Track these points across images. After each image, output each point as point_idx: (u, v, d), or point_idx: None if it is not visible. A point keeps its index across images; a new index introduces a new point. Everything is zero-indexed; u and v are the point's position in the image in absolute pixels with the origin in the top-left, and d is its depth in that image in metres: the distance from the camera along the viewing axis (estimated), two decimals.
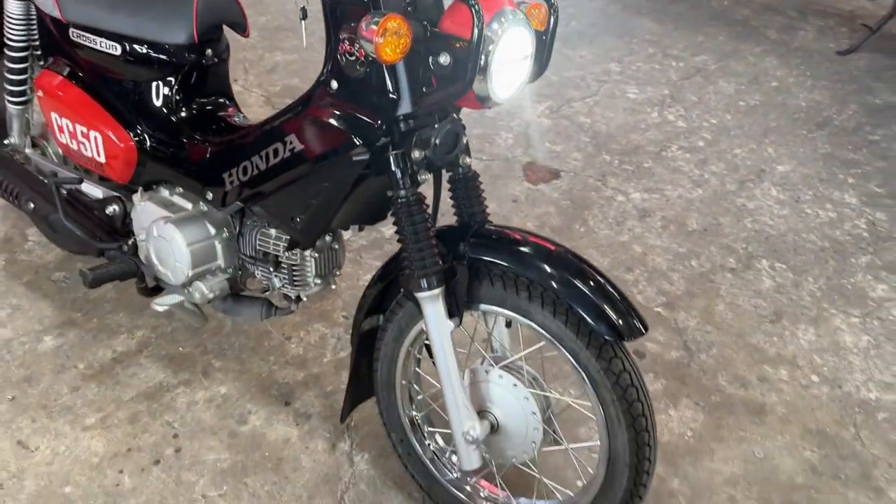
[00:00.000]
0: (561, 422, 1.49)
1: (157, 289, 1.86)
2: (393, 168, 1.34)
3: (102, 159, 1.74)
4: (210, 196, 1.65)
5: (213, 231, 1.70)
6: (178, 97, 1.69)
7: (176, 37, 1.60)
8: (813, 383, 2.02)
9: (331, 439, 1.81)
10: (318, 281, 1.67)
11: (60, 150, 1.87)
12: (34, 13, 1.85)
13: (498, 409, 1.46)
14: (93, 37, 1.68)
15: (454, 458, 1.63)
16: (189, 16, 1.58)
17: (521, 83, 1.31)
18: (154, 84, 1.68)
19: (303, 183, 1.44)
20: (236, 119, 1.71)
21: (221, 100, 1.76)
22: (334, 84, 1.35)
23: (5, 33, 1.88)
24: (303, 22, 1.36)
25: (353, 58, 1.28)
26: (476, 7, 1.14)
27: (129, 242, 1.83)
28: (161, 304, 1.70)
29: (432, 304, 1.38)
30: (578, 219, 2.60)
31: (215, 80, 1.73)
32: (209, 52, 1.67)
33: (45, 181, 1.90)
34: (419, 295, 1.38)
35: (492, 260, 1.37)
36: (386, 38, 1.15)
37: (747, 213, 2.68)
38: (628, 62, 3.78)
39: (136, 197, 1.76)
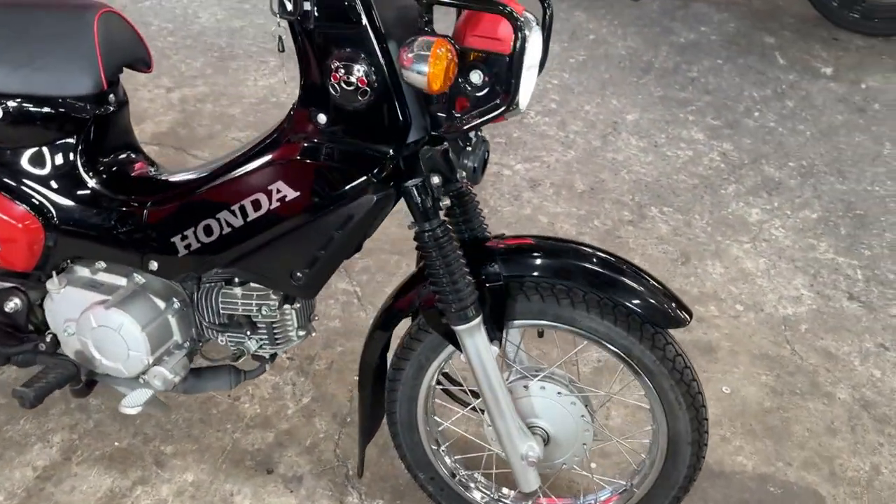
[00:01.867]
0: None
1: (92, 383, 1.56)
2: (417, 200, 1.22)
3: None
4: (155, 265, 1.39)
5: (162, 304, 1.44)
6: (85, 156, 1.40)
7: (79, 87, 1.31)
8: (740, 312, 2.20)
9: (335, 496, 1.65)
10: (302, 333, 1.49)
11: None
12: None
13: (544, 420, 1.42)
14: None
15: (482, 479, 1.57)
16: (92, 61, 1.29)
17: (533, 86, 1.24)
18: (52, 147, 1.37)
19: (305, 233, 1.26)
20: (157, 172, 1.45)
21: (130, 152, 1.48)
22: (322, 118, 1.20)
23: None
24: (281, 55, 1.17)
25: (352, 87, 1.13)
26: (518, 18, 1.05)
27: (48, 339, 1.50)
28: (131, 405, 1.41)
29: (473, 334, 1.29)
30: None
31: (121, 129, 1.46)
32: (112, 97, 1.40)
33: None
34: (459, 328, 1.29)
35: (528, 274, 1.30)
36: (438, 67, 1.02)
37: (620, 166, 2.83)
38: None
39: (50, 284, 1.43)
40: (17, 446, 1.71)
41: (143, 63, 1.42)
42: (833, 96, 3.33)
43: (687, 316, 1.30)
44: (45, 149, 1.37)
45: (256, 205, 1.27)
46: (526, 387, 1.40)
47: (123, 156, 1.46)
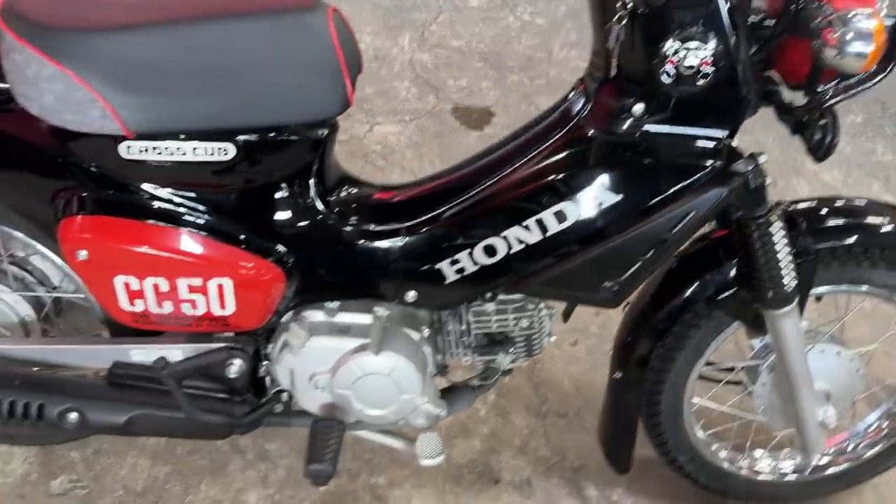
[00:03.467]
0: None
1: None
2: (752, 184, 1.12)
3: (229, 310, 1.17)
4: (412, 296, 1.22)
5: (416, 336, 1.28)
6: (317, 186, 1.18)
7: (327, 109, 1.09)
8: None
9: (574, 492, 1.58)
10: (552, 338, 1.37)
11: (125, 322, 1.20)
12: None
13: (823, 381, 1.39)
14: (182, 145, 1.06)
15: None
16: (337, 74, 1.07)
17: None
18: (286, 182, 1.15)
19: (628, 239, 1.13)
20: (398, 191, 1.25)
21: (347, 174, 1.27)
22: (639, 108, 1.07)
23: None
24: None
25: (692, 70, 1.01)
26: None
27: (283, 397, 1.30)
28: (432, 455, 1.26)
29: (790, 316, 1.23)
30: None
31: (333, 150, 1.23)
32: None
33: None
34: (777, 312, 1.22)
35: (841, 242, 1.24)
36: (880, 43, 0.91)
37: None
38: None
39: (292, 337, 1.22)
40: None
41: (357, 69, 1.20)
42: None
43: None
44: (277, 185, 1.14)
45: (561, 216, 1.12)
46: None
47: (348, 179, 1.25)
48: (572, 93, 1.17)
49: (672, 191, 1.09)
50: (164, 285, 1.13)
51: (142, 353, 1.28)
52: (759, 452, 1.54)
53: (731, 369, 1.47)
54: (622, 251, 1.14)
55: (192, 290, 1.14)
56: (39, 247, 1.29)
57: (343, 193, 1.22)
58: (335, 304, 1.27)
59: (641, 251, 1.14)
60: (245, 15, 1.05)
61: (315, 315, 1.26)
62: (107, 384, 1.27)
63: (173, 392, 1.18)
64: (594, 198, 1.11)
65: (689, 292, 1.29)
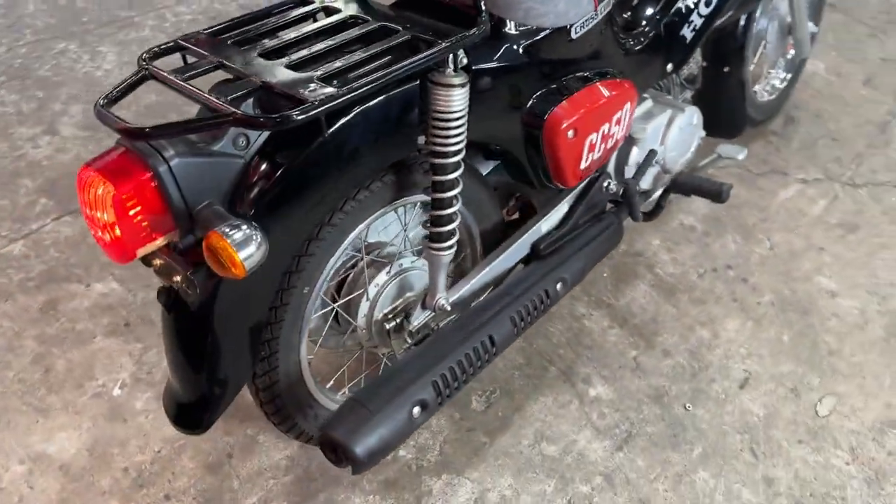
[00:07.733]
0: None
1: None
2: None
3: (623, 131, 1.53)
4: (670, 68, 1.73)
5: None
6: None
7: None
8: None
9: None
10: None
11: (568, 184, 1.46)
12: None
13: None
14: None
15: None
16: None
17: None
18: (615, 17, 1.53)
19: None
20: None
21: None
22: None
23: (439, 142, 1.20)
24: None
25: None
26: None
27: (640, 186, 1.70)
28: (739, 153, 1.78)
29: None
30: None
31: None
32: None
33: None
34: None
35: None
36: None
37: None
38: None
39: (638, 134, 1.64)
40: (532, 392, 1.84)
41: None
42: None
43: None
44: (619, 21, 1.54)
45: None
46: None
47: None
48: None
49: None
50: (606, 127, 1.44)
51: (544, 224, 1.56)
52: None
53: None
54: None
55: (616, 122, 1.47)
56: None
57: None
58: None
59: None
60: None
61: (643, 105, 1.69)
62: (547, 257, 1.53)
63: (634, 204, 1.55)
64: None
65: None
